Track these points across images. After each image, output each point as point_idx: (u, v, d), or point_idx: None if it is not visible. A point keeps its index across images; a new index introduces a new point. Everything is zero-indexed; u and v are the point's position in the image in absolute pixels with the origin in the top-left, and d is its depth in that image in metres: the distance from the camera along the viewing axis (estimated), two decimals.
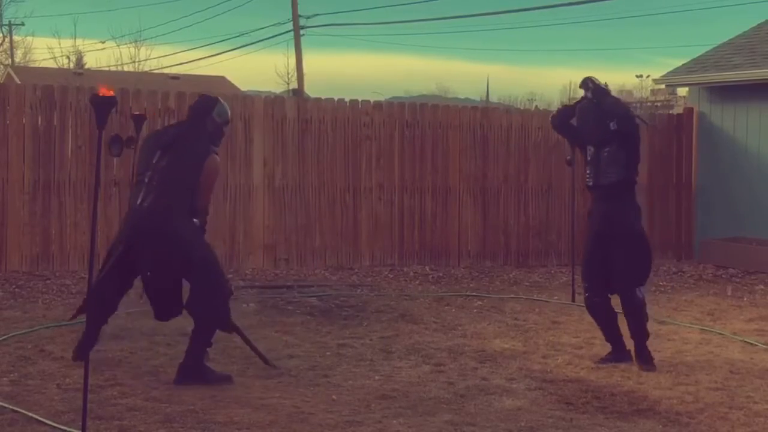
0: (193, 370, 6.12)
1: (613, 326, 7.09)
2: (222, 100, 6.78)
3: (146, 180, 6.31)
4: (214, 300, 6.24)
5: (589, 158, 7.07)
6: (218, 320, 6.31)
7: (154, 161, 6.33)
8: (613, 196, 6.97)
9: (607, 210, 6.98)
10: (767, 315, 9.32)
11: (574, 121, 7.25)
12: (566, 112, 7.41)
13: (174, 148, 6.36)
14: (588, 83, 7.13)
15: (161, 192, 6.25)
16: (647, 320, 7.03)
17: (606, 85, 7.22)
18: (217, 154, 6.56)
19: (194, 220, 6.40)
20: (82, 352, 6.14)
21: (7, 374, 6.24)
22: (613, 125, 6.89)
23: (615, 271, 6.92)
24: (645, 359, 6.86)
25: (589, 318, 8.89)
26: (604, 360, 7.02)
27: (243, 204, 11.33)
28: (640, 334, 6.93)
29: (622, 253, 6.89)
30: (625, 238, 6.93)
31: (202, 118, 6.53)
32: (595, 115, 7.01)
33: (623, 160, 6.93)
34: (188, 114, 6.81)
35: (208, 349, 6.35)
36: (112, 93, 5.10)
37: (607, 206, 6.98)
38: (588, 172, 7.08)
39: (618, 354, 7.03)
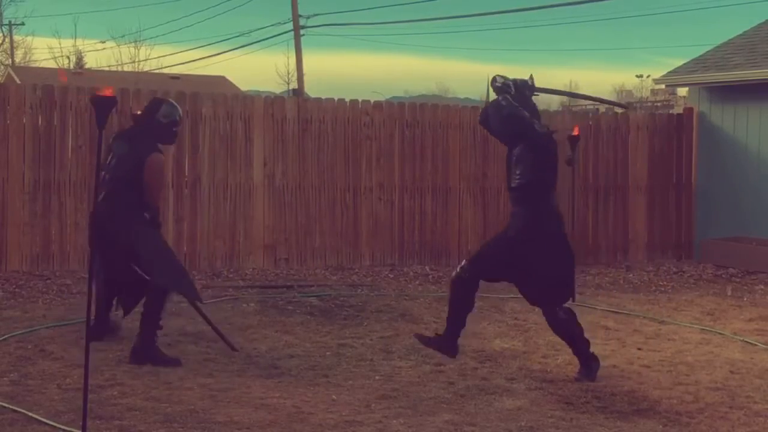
0: (145, 352, 6.61)
1: (465, 314, 6.67)
2: (171, 102, 7.25)
3: (102, 179, 6.85)
4: (161, 279, 6.77)
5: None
6: (162, 295, 6.79)
7: (107, 161, 6.95)
8: (520, 199, 6.58)
9: (514, 213, 6.63)
10: (767, 315, 9.32)
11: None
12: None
13: (122, 148, 6.93)
14: (496, 80, 6.70)
15: (110, 189, 6.85)
16: (581, 331, 6.65)
17: (529, 81, 6.78)
18: (161, 152, 7.03)
19: (144, 214, 6.88)
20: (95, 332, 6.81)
21: (7, 374, 6.24)
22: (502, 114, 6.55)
23: (533, 283, 6.55)
24: (584, 371, 6.57)
25: (589, 318, 8.92)
26: (427, 339, 6.71)
27: (243, 204, 11.33)
28: (575, 344, 6.64)
29: (539, 262, 6.45)
30: (544, 245, 6.47)
31: (148, 119, 7.03)
32: (500, 116, 6.63)
33: (530, 161, 6.49)
34: (140, 115, 7.25)
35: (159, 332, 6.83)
36: (112, 93, 5.11)
37: (516, 210, 6.61)
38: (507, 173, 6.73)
39: (443, 341, 6.62)
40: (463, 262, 6.72)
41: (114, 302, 7.31)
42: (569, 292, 6.66)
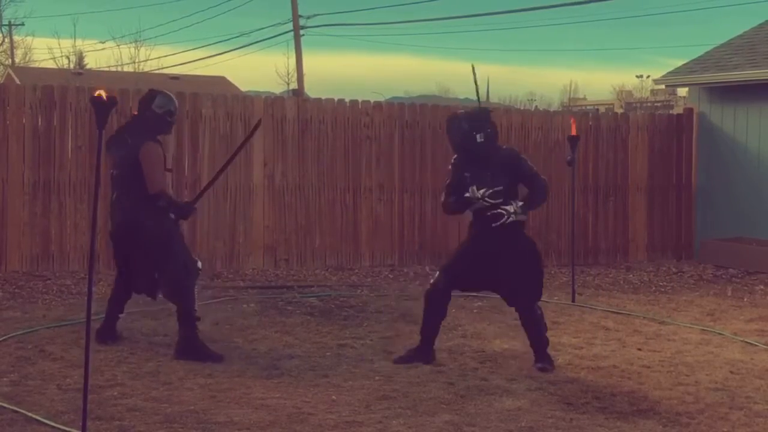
0: (189, 347, 6.78)
1: (438, 322, 6.98)
2: (166, 93, 7.31)
3: (112, 178, 7.07)
4: (178, 278, 6.90)
5: None
6: (188, 289, 6.95)
7: (114, 160, 7.06)
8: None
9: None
10: (767, 315, 9.32)
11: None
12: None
13: (121, 144, 6.97)
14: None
15: (119, 187, 7.01)
16: (546, 329, 6.96)
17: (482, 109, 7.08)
18: (157, 141, 7.06)
19: (158, 204, 6.90)
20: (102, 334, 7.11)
21: (7, 374, 6.24)
22: (479, 137, 6.81)
23: (511, 285, 6.80)
24: (548, 361, 6.84)
25: (589, 318, 8.93)
26: (402, 359, 6.88)
27: (243, 204, 11.33)
28: (541, 342, 6.89)
29: (516, 268, 6.76)
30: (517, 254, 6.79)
31: (143, 110, 7.09)
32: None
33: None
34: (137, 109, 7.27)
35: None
36: (108, 96, 5.11)
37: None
38: None
39: (422, 353, 6.91)
40: (437, 273, 7.00)
41: (124, 307, 7.35)
42: (542, 289, 7.00)
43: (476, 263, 6.82)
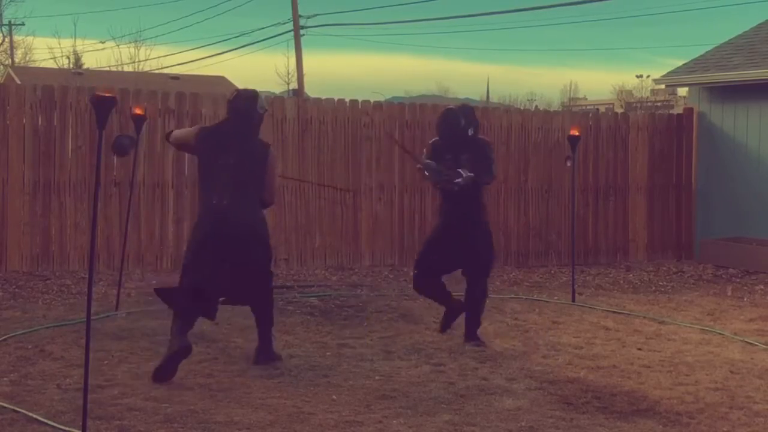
0: (269, 351, 6.72)
1: (443, 291, 7.82)
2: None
3: (219, 179, 6.41)
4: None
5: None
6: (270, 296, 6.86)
7: (220, 161, 6.44)
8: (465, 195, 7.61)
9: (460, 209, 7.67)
10: (767, 315, 9.32)
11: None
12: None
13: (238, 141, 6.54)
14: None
15: (238, 190, 6.43)
16: (483, 312, 7.82)
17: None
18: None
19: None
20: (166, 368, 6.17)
21: (7, 374, 6.24)
22: (470, 131, 7.69)
23: (468, 261, 7.68)
24: (478, 339, 7.62)
25: (589, 318, 8.93)
26: (445, 324, 7.86)
27: None
28: (476, 321, 7.69)
29: (472, 245, 7.65)
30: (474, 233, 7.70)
31: (251, 112, 6.58)
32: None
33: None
34: (236, 111, 6.62)
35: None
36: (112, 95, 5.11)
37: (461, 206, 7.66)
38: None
39: (453, 311, 7.81)
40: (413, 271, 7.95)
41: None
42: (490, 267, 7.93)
43: (443, 249, 7.63)
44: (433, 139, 7.85)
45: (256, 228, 6.52)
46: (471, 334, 7.61)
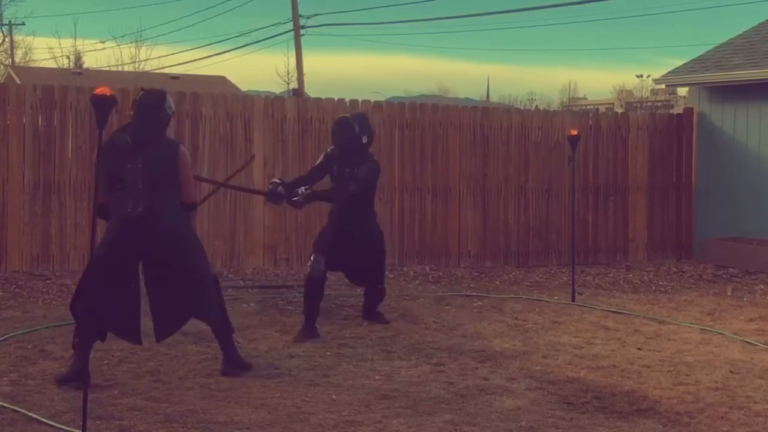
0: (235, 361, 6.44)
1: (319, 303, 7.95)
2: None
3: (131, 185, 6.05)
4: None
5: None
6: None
7: (128, 166, 6.06)
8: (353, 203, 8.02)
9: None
10: (767, 315, 9.32)
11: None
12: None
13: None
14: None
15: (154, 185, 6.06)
16: (381, 302, 8.52)
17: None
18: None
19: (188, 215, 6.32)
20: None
21: (7, 374, 6.24)
22: (365, 139, 7.98)
23: (364, 265, 8.26)
24: (382, 318, 8.38)
25: (589, 318, 8.92)
26: (299, 338, 7.62)
27: (243, 204, 11.32)
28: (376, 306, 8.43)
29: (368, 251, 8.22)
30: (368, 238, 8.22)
31: (157, 110, 6.25)
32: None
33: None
34: (143, 109, 6.29)
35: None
36: (111, 92, 5.10)
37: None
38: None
39: (309, 330, 7.72)
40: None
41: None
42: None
43: (339, 245, 7.98)
44: (329, 148, 8.10)
45: (180, 232, 6.12)
46: (368, 313, 8.48)
